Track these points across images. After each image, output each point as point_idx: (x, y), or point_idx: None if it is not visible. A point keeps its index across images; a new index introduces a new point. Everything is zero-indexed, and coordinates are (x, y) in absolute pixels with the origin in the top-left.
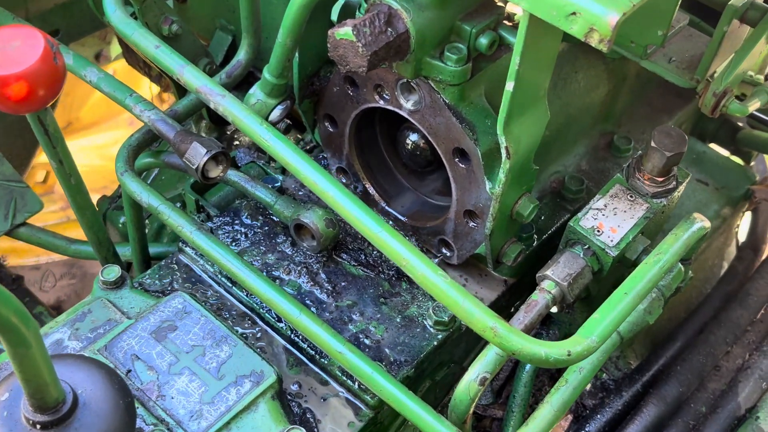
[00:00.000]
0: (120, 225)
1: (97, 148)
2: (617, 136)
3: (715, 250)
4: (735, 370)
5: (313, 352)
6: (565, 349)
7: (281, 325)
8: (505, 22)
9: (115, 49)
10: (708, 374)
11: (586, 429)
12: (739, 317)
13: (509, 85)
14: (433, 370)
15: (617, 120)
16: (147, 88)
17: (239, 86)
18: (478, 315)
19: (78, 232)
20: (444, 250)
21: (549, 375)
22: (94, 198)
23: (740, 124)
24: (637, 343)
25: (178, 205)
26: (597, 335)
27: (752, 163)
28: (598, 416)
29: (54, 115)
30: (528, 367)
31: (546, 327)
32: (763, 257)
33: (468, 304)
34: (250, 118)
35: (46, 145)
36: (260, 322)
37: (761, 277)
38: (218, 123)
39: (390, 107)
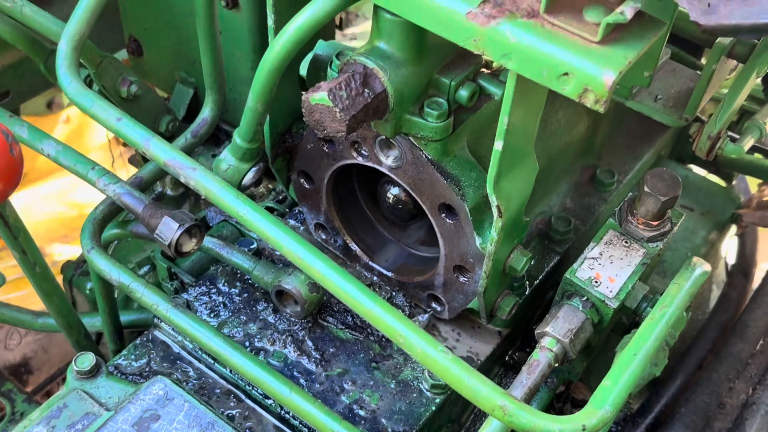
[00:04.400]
0: (87, 291)
1: (56, 195)
2: (600, 170)
3: None
4: (740, 407)
5: (307, 430)
6: (580, 423)
7: (269, 402)
8: (483, 70)
9: None
10: (713, 413)
11: None
12: (740, 351)
13: (498, 145)
14: None
15: (598, 153)
16: (104, 133)
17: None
18: (485, 393)
19: None
20: (434, 305)
21: None
22: (56, 249)
23: None
24: None
25: (148, 267)
26: (611, 404)
27: (734, 182)
28: None
29: (13, 206)
30: None
31: None
32: (755, 282)
33: (474, 382)
34: (225, 191)
35: (7, 238)
36: (246, 400)
37: (758, 306)
38: None
39: (369, 164)
